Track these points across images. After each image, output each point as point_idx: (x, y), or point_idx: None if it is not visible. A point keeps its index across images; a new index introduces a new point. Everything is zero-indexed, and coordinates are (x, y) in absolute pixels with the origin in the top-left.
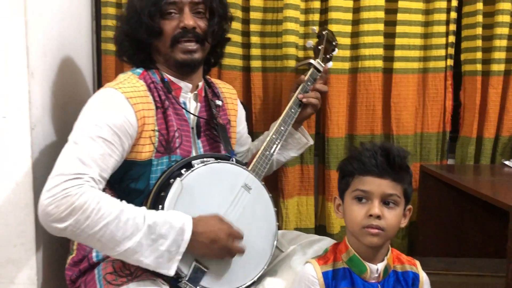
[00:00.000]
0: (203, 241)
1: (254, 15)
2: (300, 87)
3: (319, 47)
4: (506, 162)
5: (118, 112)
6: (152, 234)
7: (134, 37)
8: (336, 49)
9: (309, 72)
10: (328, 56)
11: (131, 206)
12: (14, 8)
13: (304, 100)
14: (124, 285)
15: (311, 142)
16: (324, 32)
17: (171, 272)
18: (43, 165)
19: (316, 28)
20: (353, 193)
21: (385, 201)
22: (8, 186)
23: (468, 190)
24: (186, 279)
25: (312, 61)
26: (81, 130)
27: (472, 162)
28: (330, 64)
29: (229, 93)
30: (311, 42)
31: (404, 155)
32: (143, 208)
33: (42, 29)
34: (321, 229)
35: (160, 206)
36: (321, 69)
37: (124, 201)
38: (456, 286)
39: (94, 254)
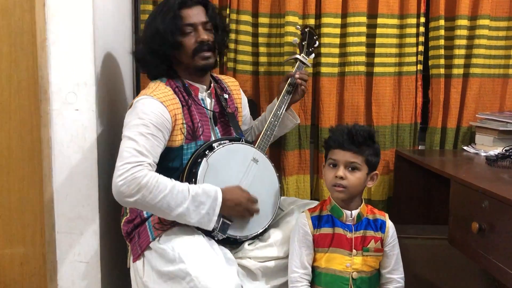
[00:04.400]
0: (230, 205)
1: (261, 30)
2: (289, 80)
3: (303, 43)
4: (465, 148)
5: (158, 113)
6: (195, 202)
7: (158, 52)
8: (317, 42)
9: (296, 65)
10: (310, 49)
11: (178, 182)
12: (84, 26)
13: (298, 81)
14: (169, 229)
15: (299, 121)
16: (306, 30)
17: (210, 228)
18: (104, 145)
19: (299, 26)
20: (328, 161)
21: (349, 167)
22: (79, 161)
23: (434, 169)
24: (217, 230)
25: (297, 56)
26: (133, 129)
27: (438, 147)
28: (313, 56)
29: (233, 85)
30: (297, 39)
31: (364, 134)
32: (186, 183)
33: (103, 42)
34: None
35: (193, 179)
36: (305, 61)
37: (172, 179)
38: (425, 248)
39: (144, 212)
